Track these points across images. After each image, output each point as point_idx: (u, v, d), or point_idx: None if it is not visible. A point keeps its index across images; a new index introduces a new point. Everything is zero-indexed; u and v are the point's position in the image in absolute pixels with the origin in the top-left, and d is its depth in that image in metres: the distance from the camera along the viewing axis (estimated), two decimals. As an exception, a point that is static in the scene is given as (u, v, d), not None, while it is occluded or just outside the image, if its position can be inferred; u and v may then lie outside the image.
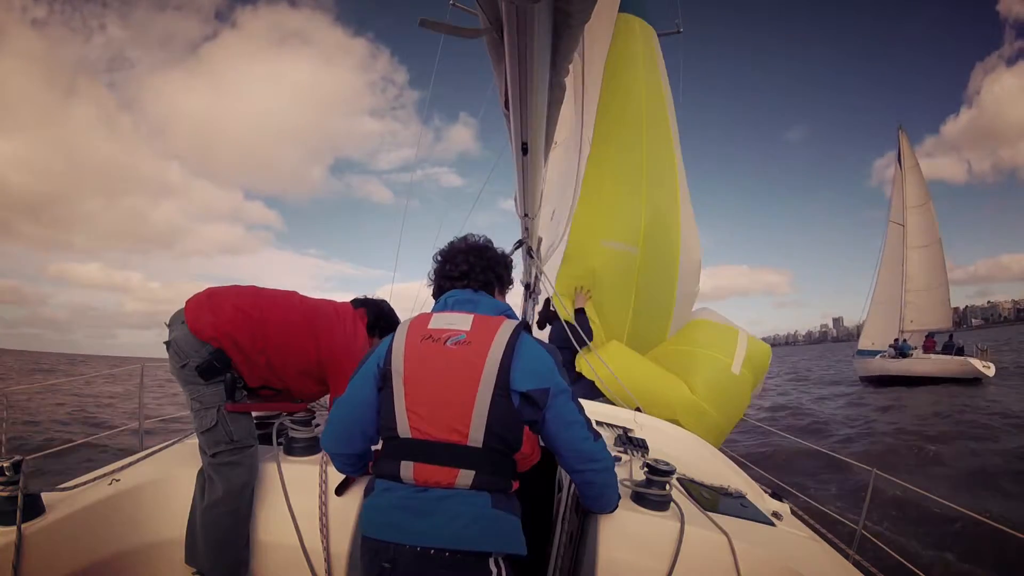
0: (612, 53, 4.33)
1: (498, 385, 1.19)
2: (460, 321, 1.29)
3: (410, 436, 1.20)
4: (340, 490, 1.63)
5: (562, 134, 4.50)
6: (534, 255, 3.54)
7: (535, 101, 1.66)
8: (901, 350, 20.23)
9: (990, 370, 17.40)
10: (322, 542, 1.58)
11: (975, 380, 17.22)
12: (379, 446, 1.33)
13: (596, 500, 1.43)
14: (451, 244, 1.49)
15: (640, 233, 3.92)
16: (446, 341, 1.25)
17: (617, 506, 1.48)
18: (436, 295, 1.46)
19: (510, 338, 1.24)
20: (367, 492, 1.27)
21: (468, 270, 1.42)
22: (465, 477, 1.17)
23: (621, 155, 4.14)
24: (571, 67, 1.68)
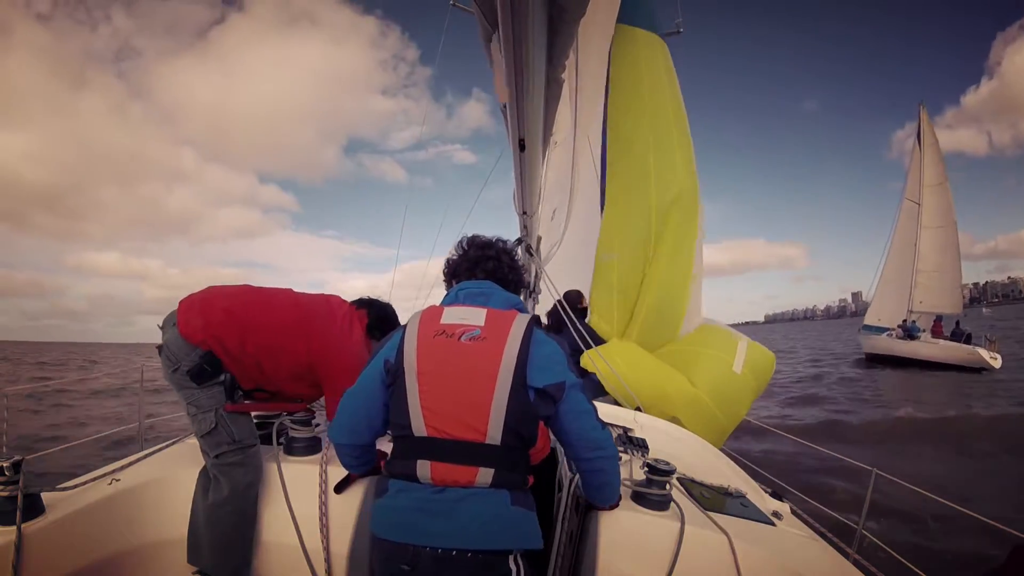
0: (621, 68, 4.38)
1: (515, 382, 1.18)
2: (473, 316, 1.27)
3: (426, 434, 1.19)
4: (339, 488, 1.63)
5: (563, 134, 4.50)
6: (534, 253, 3.54)
7: (532, 97, 1.65)
8: (910, 331, 19.80)
9: (997, 361, 17.20)
10: (322, 542, 1.59)
11: (980, 370, 17.05)
12: (388, 447, 1.31)
13: (600, 490, 1.42)
14: (471, 237, 1.50)
15: (614, 240, 4.12)
16: (460, 336, 1.23)
17: (619, 500, 1.47)
18: (448, 285, 1.47)
19: (524, 333, 1.23)
20: (379, 493, 1.24)
21: (485, 263, 1.43)
22: (484, 475, 1.16)
23: (621, 174, 4.28)
24: (566, 63, 1.68)
